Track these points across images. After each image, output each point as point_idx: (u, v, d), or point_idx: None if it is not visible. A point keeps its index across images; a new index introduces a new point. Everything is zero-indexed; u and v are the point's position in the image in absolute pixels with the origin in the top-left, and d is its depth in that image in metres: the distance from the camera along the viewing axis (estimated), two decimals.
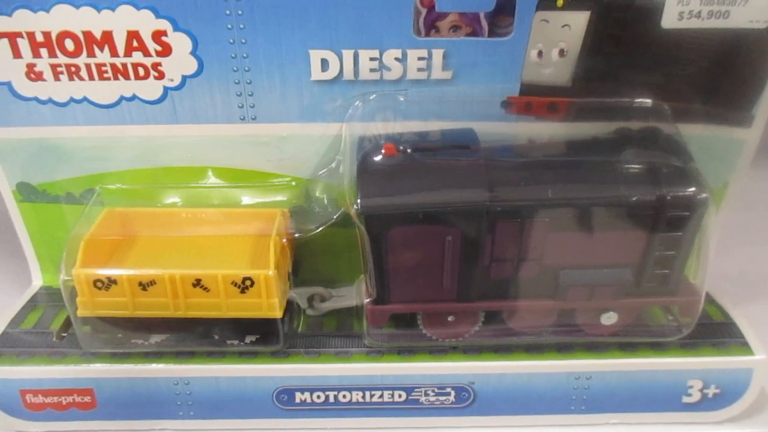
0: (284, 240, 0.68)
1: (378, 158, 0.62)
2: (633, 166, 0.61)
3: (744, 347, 0.70)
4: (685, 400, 0.70)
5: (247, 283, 0.64)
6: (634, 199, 0.59)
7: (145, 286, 0.64)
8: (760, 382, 0.69)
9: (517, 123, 0.69)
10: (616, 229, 0.61)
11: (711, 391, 0.70)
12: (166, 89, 0.67)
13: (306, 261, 0.76)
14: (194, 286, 0.64)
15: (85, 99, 0.67)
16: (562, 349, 0.70)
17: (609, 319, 0.68)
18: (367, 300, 0.66)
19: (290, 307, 0.70)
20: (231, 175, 0.72)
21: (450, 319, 0.68)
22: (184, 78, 0.66)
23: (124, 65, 0.65)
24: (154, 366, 0.68)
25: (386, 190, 0.60)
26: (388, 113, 0.68)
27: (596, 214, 0.60)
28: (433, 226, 0.60)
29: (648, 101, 0.68)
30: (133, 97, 0.67)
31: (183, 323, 0.67)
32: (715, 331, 0.72)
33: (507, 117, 0.69)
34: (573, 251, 0.63)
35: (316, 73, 0.66)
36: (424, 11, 0.86)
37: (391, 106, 0.68)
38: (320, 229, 0.69)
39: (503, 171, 0.61)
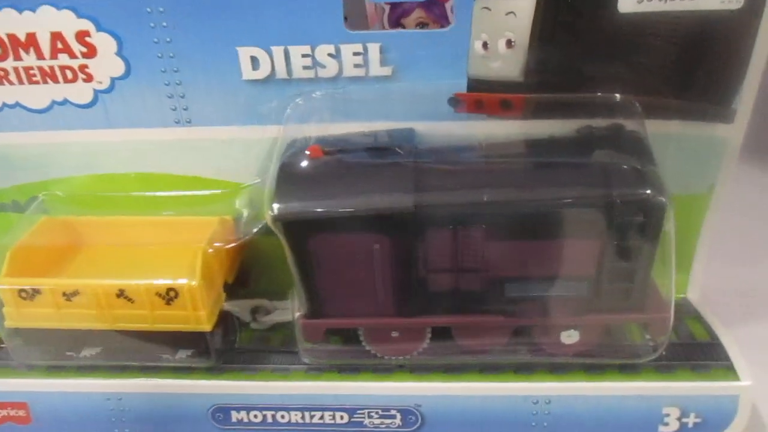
0: (216, 249, 0.64)
1: (301, 160, 0.57)
2: (582, 167, 0.55)
3: (729, 371, 0.62)
4: (662, 429, 0.62)
5: (172, 293, 0.61)
6: (579, 203, 0.53)
7: (69, 296, 0.62)
8: (748, 411, 0.61)
9: (469, 122, 0.64)
10: (565, 237, 0.55)
11: (691, 420, 0.62)
12: (96, 92, 0.64)
13: (265, 271, 0.72)
14: (118, 296, 0.61)
15: (17, 104, 0.65)
16: (520, 370, 0.64)
17: (570, 337, 0.61)
18: (299, 314, 0.61)
19: (226, 320, 0.66)
20: (170, 182, 0.69)
21: (394, 335, 0.63)
22: (113, 80, 0.64)
23: (52, 68, 0.63)
24: (84, 381, 0.66)
25: (305, 194, 0.55)
26: (326, 114, 0.64)
27: (539, 220, 0.54)
28: (358, 234, 0.55)
29: (615, 96, 0.62)
30: (65, 102, 0.65)
31: (114, 336, 0.64)
32: (697, 353, 0.64)
33: (458, 116, 0.64)
34: (518, 262, 0.56)
35: (247, 73, 0.62)
36: (387, 8, 0.82)
37: (329, 107, 0.64)
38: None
39: (434, 174, 0.55)
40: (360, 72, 0.62)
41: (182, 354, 0.65)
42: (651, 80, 0.61)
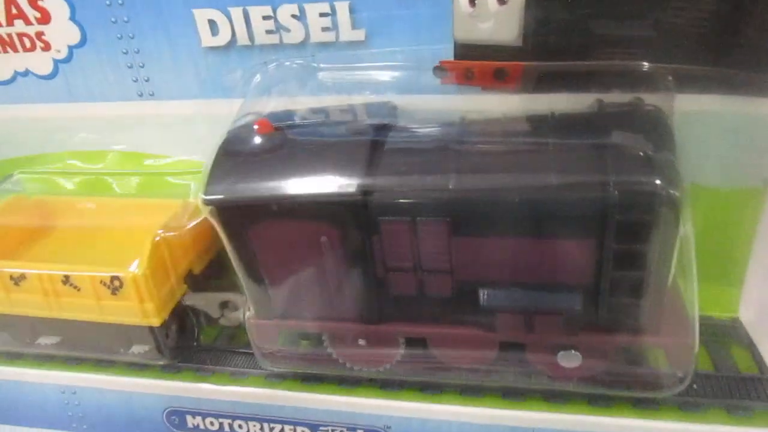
0: (175, 235, 0.58)
1: (247, 136, 0.50)
2: (575, 150, 0.44)
3: None
4: None
5: (116, 283, 0.55)
6: (566, 193, 0.42)
7: (16, 281, 0.58)
8: None
9: (459, 96, 0.54)
10: (549, 235, 0.44)
11: None
12: (56, 62, 0.60)
13: None
14: (64, 283, 0.56)
15: None
16: (509, 395, 0.53)
17: (569, 359, 0.50)
18: (249, 314, 0.54)
19: (183, 314, 0.60)
20: (140, 161, 0.64)
21: (361, 343, 0.54)
22: (71, 49, 0.59)
23: (10, 36, 0.59)
24: (40, 371, 0.62)
25: (244, 176, 0.47)
26: (294, 86, 0.56)
27: (517, 212, 0.43)
28: (302, 224, 0.47)
29: (635, 64, 0.50)
30: (27, 73, 0.61)
31: (71, 325, 0.59)
32: (739, 389, 0.51)
33: (445, 89, 0.54)
34: (493, 264, 0.46)
35: (207, 38, 0.56)
36: None
37: (298, 78, 0.56)
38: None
39: (394, 155, 0.46)
40: (329, 36, 0.54)
41: (137, 349, 0.59)
42: (683, 42, 0.48)
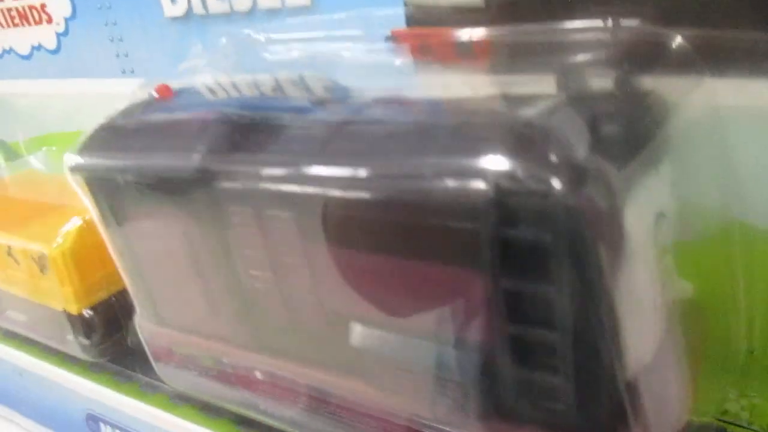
0: None
1: (144, 103, 0.43)
2: (480, 132, 0.29)
3: None
4: None
5: (44, 261, 0.51)
6: (417, 184, 0.27)
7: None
8: None
9: (419, 76, 0.41)
10: (419, 253, 0.30)
11: None
12: (58, 36, 0.60)
13: None
14: (8, 255, 0.54)
15: (11, 50, 0.64)
16: None
17: None
18: (138, 314, 0.46)
19: (112, 308, 0.54)
20: None
21: (258, 376, 0.43)
22: (67, 21, 0.58)
23: (24, 9, 0.60)
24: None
25: (116, 144, 0.40)
26: (246, 63, 0.48)
27: (371, 214, 0.30)
28: (158, 206, 0.38)
29: (643, 29, 0.33)
30: (40, 47, 0.62)
31: (29, 304, 0.57)
32: None
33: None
34: (361, 288, 0.32)
35: (168, 8, 0.51)
36: None
37: (250, 53, 0.48)
38: None
39: (256, 131, 0.35)
40: (275, 2, 0.45)
41: (70, 338, 0.55)
42: (717, 4, 0.31)
